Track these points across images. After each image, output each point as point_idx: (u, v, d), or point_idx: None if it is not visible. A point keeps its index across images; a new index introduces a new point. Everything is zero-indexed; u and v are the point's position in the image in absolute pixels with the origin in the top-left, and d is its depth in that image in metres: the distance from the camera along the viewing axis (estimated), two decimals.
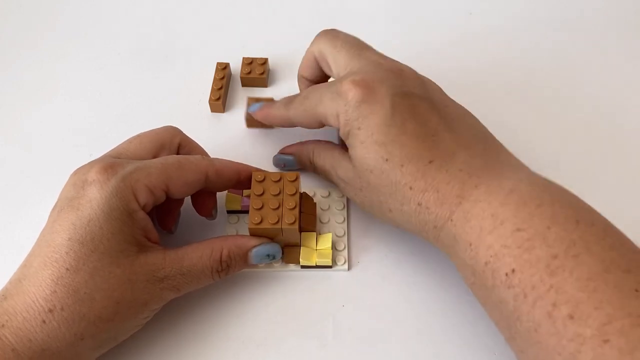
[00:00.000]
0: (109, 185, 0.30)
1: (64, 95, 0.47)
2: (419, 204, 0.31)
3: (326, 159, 0.37)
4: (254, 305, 0.36)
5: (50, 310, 0.28)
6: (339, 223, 0.39)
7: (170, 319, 0.35)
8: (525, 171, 0.32)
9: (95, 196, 0.30)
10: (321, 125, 0.36)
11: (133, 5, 0.54)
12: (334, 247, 0.37)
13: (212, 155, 0.38)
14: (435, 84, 0.36)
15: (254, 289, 0.36)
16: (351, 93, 0.33)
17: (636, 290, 0.24)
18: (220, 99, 0.44)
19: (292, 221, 0.34)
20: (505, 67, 0.48)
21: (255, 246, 0.34)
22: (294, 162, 0.41)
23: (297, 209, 0.34)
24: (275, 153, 0.42)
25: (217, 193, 0.38)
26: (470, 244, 0.29)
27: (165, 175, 0.32)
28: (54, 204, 0.32)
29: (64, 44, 0.51)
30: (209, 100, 0.45)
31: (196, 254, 0.33)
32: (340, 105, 0.33)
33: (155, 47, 0.50)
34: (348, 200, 0.40)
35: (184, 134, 0.37)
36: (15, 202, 0.41)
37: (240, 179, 0.36)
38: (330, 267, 0.37)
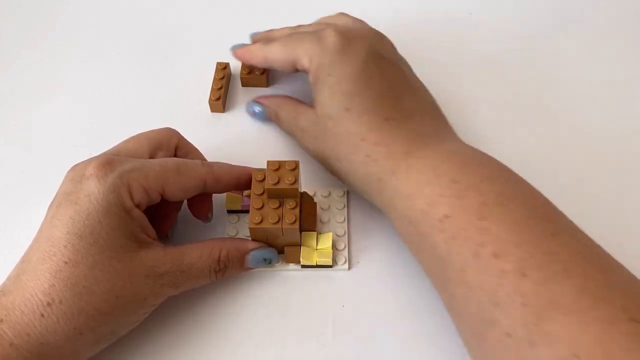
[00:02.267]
0: (107, 181, 0.30)
1: (64, 95, 0.47)
2: (368, 156, 0.33)
3: (290, 111, 0.40)
4: (254, 305, 0.36)
5: (49, 304, 0.28)
6: (339, 222, 0.38)
7: (169, 319, 0.35)
8: (467, 145, 0.34)
9: (93, 191, 0.30)
10: (294, 68, 0.39)
11: (133, 5, 0.54)
12: (334, 246, 0.37)
13: (212, 156, 0.39)
14: (406, 61, 0.39)
15: (254, 289, 0.36)
16: (331, 39, 0.36)
17: (553, 235, 0.27)
18: (220, 99, 0.44)
19: (292, 221, 0.34)
20: (505, 67, 0.48)
21: (252, 249, 0.35)
22: (262, 112, 0.43)
23: (297, 209, 0.34)
24: (276, 153, 0.42)
25: (216, 194, 0.38)
26: (410, 195, 0.31)
27: (163, 179, 0.32)
28: (50, 200, 0.32)
29: (64, 44, 0.51)
30: (209, 100, 0.45)
31: (196, 252, 0.33)
32: (317, 49, 0.36)
33: (156, 47, 0.50)
34: (348, 199, 0.40)
35: (181, 136, 0.37)
36: (15, 202, 0.41)
37: (240, 184, 0.36)
38: (330, 266, 0.37)
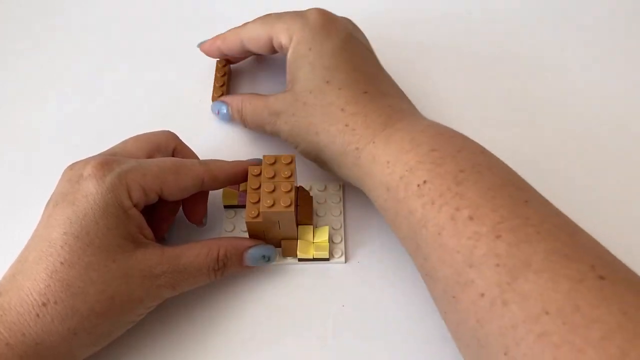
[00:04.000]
0: (105, 181, 0.30)
1: (63, 95, 0.47)
2: (347, 125, 0.34)
3: (256, 102, 0.39)
4: (253, 303, 0.36)
5: (44, 304, 0.28)
6: (335, 216, 0.39)
7: (168, 319, 0.35)
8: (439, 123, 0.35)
9: (91, 191, 0.30)
10: (271, 47, 0.39)
11: (132, 6, 0.54)
12: (330, 239, 0.37)
13: (212, 156, 0.38)
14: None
15: (253, 286, 0.36)
16: (313, 17, 0.37)
17: (525, 202, 0.28)
18: (222, 97, 0.44)
19: (287, 204, 0.33)
20: (505, 67, 0.48)
21: (251, 247, 0.35)
22: (227, 113, 0.42)
23: (292, 192, 0.34)
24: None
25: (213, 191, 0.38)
26: (388, 162, 0.32)
27: (161, 178, 0.32)
28: (47, 200, 0.32)
29: (64, 44, 0.51)
30: (212, 98, 0.45)
31: (193, 252, 0.33)
32: (298, 24, 0.37)
33: (156, 47, 0.50)
34: (344, 193, 0.40)
35: (179, 140, 0.37)
36: (15, 202, 0.41)
37: (237, 179, 0.36)
38: (327, 259, 0.37)
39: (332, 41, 0.36)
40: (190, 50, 0.50)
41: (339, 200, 0.39)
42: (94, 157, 0.32)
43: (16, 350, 0.27)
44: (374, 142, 0.33)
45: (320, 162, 0.37)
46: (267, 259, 0.35)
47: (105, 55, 0.50)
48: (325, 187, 0.40)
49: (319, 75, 0.36)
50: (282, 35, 0.38)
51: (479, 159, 0.31)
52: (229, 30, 0.42)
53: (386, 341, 0.34)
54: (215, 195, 0.39)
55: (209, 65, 0.47)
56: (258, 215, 0.34)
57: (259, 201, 0.34)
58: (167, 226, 0.37)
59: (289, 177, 0.34)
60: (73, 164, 0.32)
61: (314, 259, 0.37)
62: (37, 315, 0.28)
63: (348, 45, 0.37)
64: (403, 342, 0.34)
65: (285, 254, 0.37)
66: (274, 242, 0.36)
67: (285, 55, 0.38)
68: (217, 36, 0.43)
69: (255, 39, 0.40)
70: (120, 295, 0.30)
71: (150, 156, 0.35)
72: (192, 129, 0.39)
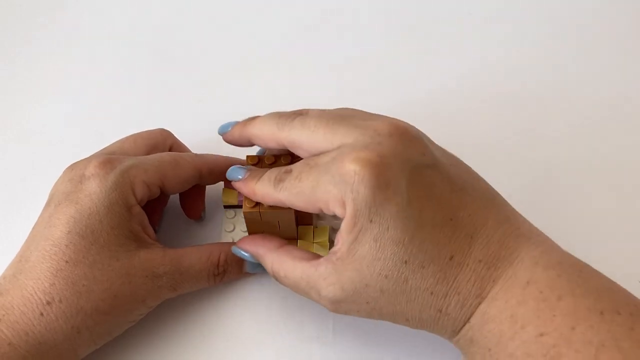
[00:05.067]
0: (109, 180, 0.30)
1: (63, 95, 0.47)
2: (440, 311, 0.28)
3: (295, 271, 0.30)
4: (253, 303, 0.36)
5: (49, 303, 0.28)
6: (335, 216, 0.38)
7: (168, 318, 0.35)
8: (539, 243, 0.28)
9: (95, 190, 0.30)
10: (322, 211, 0.30)
11: (132, 6, 0.54)
12: (330, 240, 0.37)
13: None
14: (429, 138, 0.31)
15: (253, 286, 0.36)
16: (358, 176, 0.27)
17: None
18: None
19: None
20: (505, 67, 0.48)
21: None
22: (254, 263, 0.33)
23: None
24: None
25: (213, 188, 0.38)
26: (490, 350, 0.27)
27: (162, 172, 0.33)
28: (47, 200, 0.32)
29: (64, 44, 0.51)
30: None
31: (195, 255, 0.33)
32: (346, 190, 0.27)
33: (155, 47, 0.50)
34: None
35: (175, 137, 0.38)
36: (14, 202, 0.41)
37: None
38: None
39: (394, 202, 0.27)
40: (190, 51, 0.50)
41: None
42: (94, 156, 0.33)
43: (19, 350, 0.27)
44: (469, 323, 0.28)
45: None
46: None
47: (105, 56, 0.50)
48: None
49: (391, 254, 0.27)
50: (333, 207, 0.28)
51: (601, 335, 0.24)
52: (263, 183, 0.31)
53: (386, 341, 0.34)
54: (216, 194, 0.39)
55: (208, 66, 0.47)
56: (256, 205, 0.32)
57: None
58: (158, 220, 0.37)
59: (290, 162, 0.33)
60: (74, 164, 0.32)
61: None
62: (42, 314, 0.28)
63: (415, 196, 0.27)
64: (403, 342, 0.34)
65: None
66: None
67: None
68: (250, 180, 0.32)
69: (303, 208, 0.30)
70: (123, 294, 0.30)
71: (148, 153, 0.35)
72: (192, 130, 0.39)
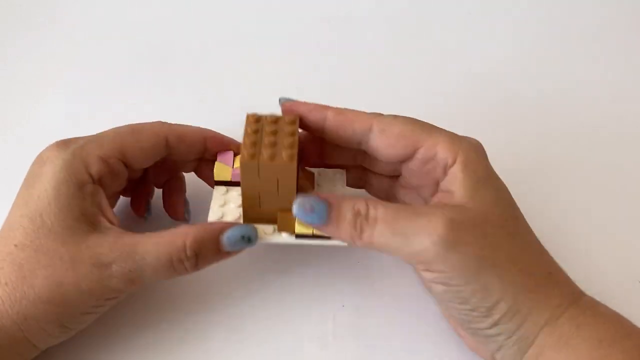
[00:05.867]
0: (59, 159, 0.30)
1: (63, 95, 0.47)
2: (550, 273, 0.28)
3: (399, 209, 0.28)
4: (253, 302, 0.35)
5: None
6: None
7: (167, 318, 0.35)
8: (575, 302, 0.28)
9: (46, 171, 0.29)
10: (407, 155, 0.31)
11: (132, 7, 0.54)
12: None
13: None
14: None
15: (252, 286, 0.36)
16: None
17: None
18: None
19: (290, 158, 0.29)
20: (505, 67, 0.48)
21: (226, 228, 0.30)
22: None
23: (295, 149, 0.29)
24: None
25: (199, 189, 0.37)
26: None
27: (119, 143, 0.31)
28: None
29: (64, 44, 0.51)
30: (241, 158, 0.39)
31: (153, 240, 0.29)
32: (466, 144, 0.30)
33: (155, 47, 0.50)
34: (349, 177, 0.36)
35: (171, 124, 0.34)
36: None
37: (209, 146, 0.34)
38: (328, 237, 0.31)
39: (500, 182, 0.31)
40: (189, 51, 0.50)
41: (343, 181, 0.36)
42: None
43: None
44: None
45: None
46: (248, 239, 0.30)
47: (105, 56, 0.50)
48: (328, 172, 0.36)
49: (508, 204, 0.30)
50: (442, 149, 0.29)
51: None
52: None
53: (386, 341, 0.34)
54: (204, 194, 0.37)
55: (208, 66, 0.47)
56: (254, 156, 0.29)
57: (255, 144, 0.29)
58: (144, 205, 0.36)
59: (292, 134, 0.30)
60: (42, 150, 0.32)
61: (314, 236, 0.31)
62: None
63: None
64: (404, 342, 0.34)
65: (281, 229, 0.31)
66: (269, 215, 0.31)
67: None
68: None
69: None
70: (67, 283, 0.27)
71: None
72: None
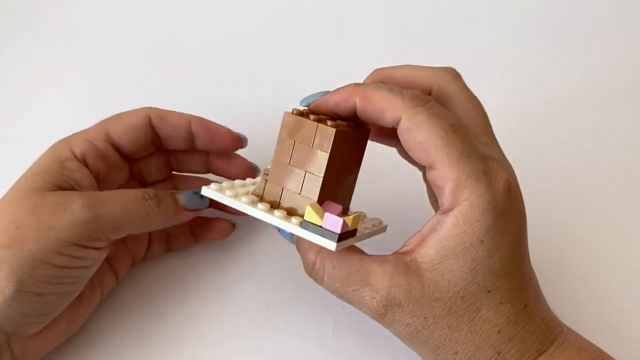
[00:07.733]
0: (52, 145, 0.33)
1: (63, 95, 0.47)
2: (498, 354, 0.27)
3: (352, 262, 0.28)
4: (252, 302, 0.36)
5: None
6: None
7: (167, 318, 0.35)
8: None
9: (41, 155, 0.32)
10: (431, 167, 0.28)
11: (132, 6, 0.54)
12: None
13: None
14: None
15: (252, 285, 0.36)
16: (501, 185, 0.27)
17: None
18: None
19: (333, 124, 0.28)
20: (505, 67, 0.48)
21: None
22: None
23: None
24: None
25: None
26: None
27: (103, 125, 0.34)
28: None
29: (64, 44, 0.51)
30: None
31: (116, 186, 0.34)
32: (481, 187, 0.26)
33: (155, 47, 0.50)
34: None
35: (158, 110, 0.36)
36: None
37: (194, 129, 0.35)
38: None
39: (510, 237, 0.27)
40: (189, 51, 0.50)
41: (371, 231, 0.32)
42: None
43: None
44: None
45: None
46: (200, 195, 0.31)
47: (106, 56, 0.50)
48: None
49: (481, 280, 0.26)
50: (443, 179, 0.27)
51: None
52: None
53: (386, 341, 0.34)
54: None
55: (208, 66, 0.47)
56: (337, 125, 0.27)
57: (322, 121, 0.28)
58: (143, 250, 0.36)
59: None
60: None
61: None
62: None
63: (522, 240, 0.28)
64: (403, 344, 0.34)
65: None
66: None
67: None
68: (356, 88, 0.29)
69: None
70: (27, 224, 0.28)
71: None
72: None
